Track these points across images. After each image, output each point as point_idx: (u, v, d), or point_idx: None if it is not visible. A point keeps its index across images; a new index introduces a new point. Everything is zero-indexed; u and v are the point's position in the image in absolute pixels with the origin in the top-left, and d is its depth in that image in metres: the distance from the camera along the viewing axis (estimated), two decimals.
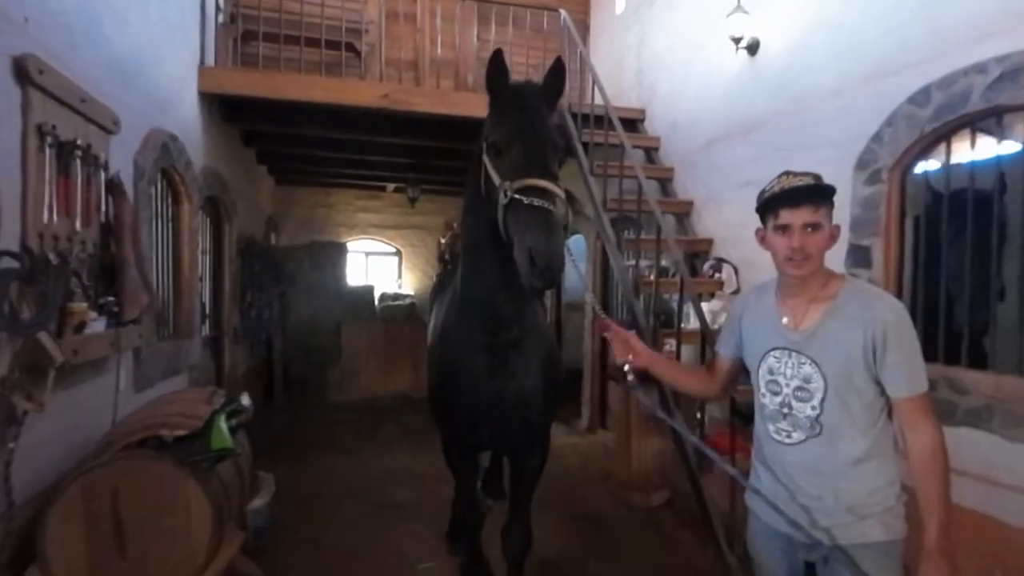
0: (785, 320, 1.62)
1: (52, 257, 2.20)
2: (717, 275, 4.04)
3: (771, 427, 1.65)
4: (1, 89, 2.02)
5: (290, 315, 7.36)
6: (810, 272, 1.55)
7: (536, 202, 1.66)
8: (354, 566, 3.24)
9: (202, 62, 4.44)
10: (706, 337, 3.15)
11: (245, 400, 2.93)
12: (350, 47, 5.65)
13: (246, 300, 5.96)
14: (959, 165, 2.67)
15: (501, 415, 2.24)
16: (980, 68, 2.42)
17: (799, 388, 1.57)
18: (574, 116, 4.84)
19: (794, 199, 1.52)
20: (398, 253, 9.51)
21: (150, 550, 2.14)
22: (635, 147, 5.29)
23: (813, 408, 1.54)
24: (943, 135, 2.65)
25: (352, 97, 4.75)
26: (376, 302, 8.37)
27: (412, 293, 9.02)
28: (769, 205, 1.57)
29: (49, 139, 2.23)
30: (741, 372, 1.86)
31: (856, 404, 1.51)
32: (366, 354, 7.86)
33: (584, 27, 6.61)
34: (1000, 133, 2.46)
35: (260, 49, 4.80)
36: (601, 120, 4.38)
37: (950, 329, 2.63)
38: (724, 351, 1.86)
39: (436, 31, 5.73)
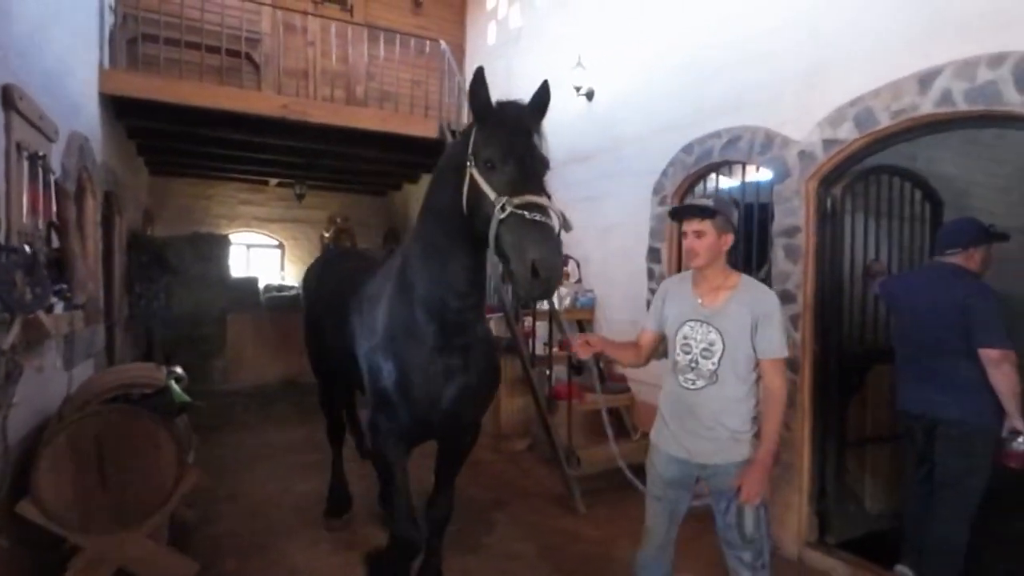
0: (700, 300, 2.13)
1: (27, 250, 2.68)
2: (566, 268, 5.21)
3: (680, 378, 2.14)
4: None
5: (173, 306, 7.47)
6: (700, 265, 2.08)
7: (539, 217, 1.74)
8: (274, 512, 3.90)
9: (101, 64, 4.71)
10: (554, 316, 4.25)
11: (180, 370, 3.51)
12: (246, 55, 6.05)
13: (135, 291, 6.13)
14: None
15: (453, 410, 2.34)
16: (718, 134, 3.74)
17: (705, 349, 2.07)
18: (453, 133, 5.76)
19: (681, 213, 2.16)
20: (281, 246, 9.77)
21: (127, 484, 2.72)
22: None
23: (713, 364, 2.06)
24: (700, 175, 3.98)
25: (253, 106, 5.26)
26: (261, 293, 8.65)
27: (296, 284, 9.37)
28: (676, 215, 2.19)
29: (25, 153, 2.70)
30: (661, 343, 2.34)
31: (740, 361, 2.03)
32: (252, 342, 8.17)
33: (461, 51, 7.53)
34: (729, 175, 3.81)
35: (161, 52, 5.10)
36: None
37: None
38: (651, 326, 2.31)
39: (329, 45, 6.32)
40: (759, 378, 2.09)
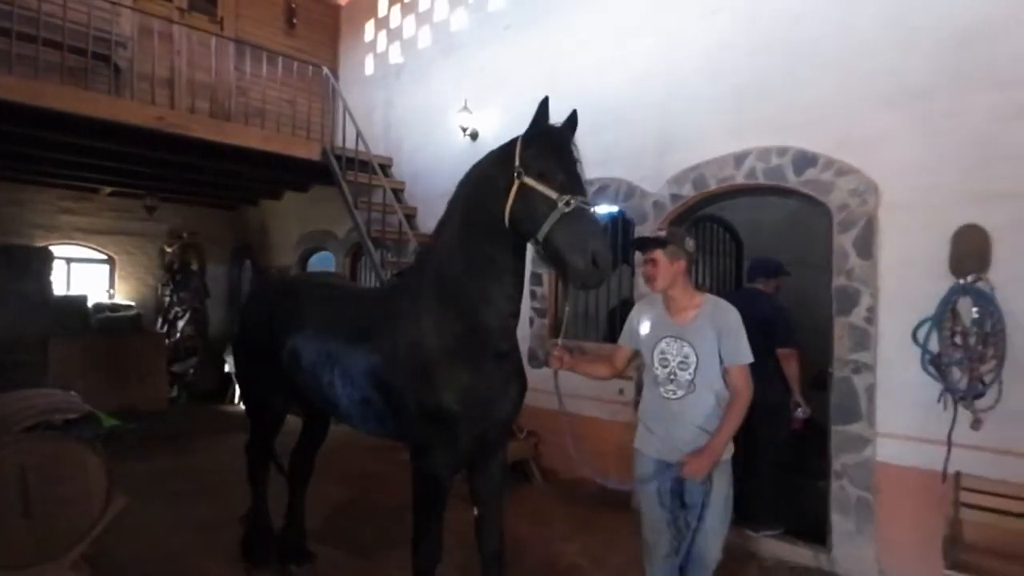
0: (672, 319, 2.38)
1: None
2: None
3: (661, 389, 2.35)
4: None
5: None
6: (658, 288, 2.35)
7: (598, 214, 2.19)
8: (177, 536, 3.78)
9: None
10: None
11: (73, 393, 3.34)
12: (104, 57, 5.60)
13: None
14: None
15: (508, 419, 2.42)
16: (590, 183, 4.58)
17: (681, 362, 2.31)
18: (338, 158, 5.97)
19: (638, 244, 2.49)
20: (110, 261, 8.76)
21: (53, 512, 2.64)
22: (387, 188, 6.69)
23: (690, 374, 2.29)
24: None
25: (124, 115, 4.96)
26: (91, 314, 7.73)
27: (133, 303, 8.50)
28: (635, 246, 2.53)
29: None
30: (634, 358, 2.60)
31: (711, 371, 2.28)
32: (81, 369, 7.25)
33: (334, 76, 7.67)
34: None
35: (13, 48, 4.59)
36: (354, 161, 5.73)
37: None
38: (626, 343, 2.57)
39: (196, 56, 6.12)
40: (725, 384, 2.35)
